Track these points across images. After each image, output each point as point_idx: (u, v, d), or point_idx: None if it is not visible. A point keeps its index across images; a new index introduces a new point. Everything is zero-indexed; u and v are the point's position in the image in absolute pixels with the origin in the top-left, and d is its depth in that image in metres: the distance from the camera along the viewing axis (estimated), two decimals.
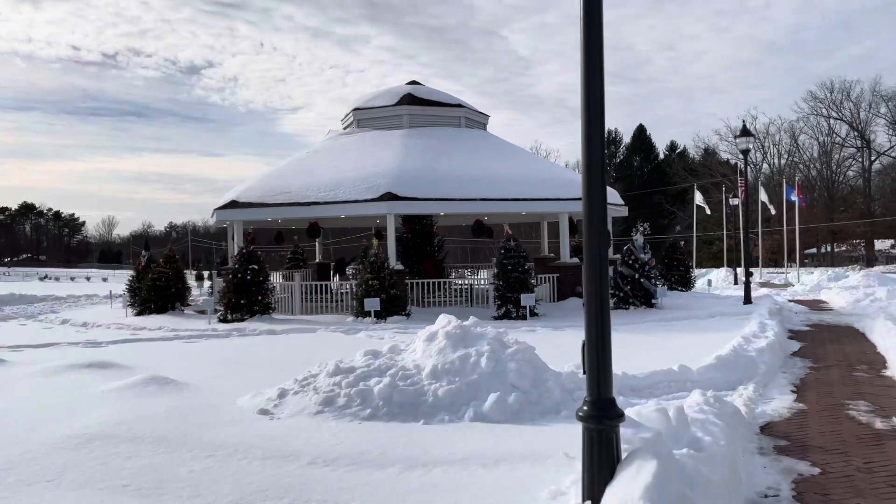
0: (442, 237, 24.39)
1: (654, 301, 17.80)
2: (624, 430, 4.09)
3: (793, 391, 9.22)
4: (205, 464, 5.18)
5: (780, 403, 8.43)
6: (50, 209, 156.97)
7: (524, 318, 16.12)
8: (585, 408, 3.53)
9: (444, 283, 18.89)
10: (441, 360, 6.78)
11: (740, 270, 42.64)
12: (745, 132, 18.07)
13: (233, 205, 19.66)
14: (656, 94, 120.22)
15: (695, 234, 44.41)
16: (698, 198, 42.75)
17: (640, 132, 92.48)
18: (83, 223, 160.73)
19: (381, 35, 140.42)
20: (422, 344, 7.23)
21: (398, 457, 5.28)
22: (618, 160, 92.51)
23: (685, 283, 24.07)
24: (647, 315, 16.60)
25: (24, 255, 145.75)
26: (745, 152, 18.45)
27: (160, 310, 18.26)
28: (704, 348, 11.58)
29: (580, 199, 14.86)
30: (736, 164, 69.58)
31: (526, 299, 15.91)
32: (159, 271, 18.42)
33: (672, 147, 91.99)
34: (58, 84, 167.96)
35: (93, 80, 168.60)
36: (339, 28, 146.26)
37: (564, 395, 6.81)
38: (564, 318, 16.44)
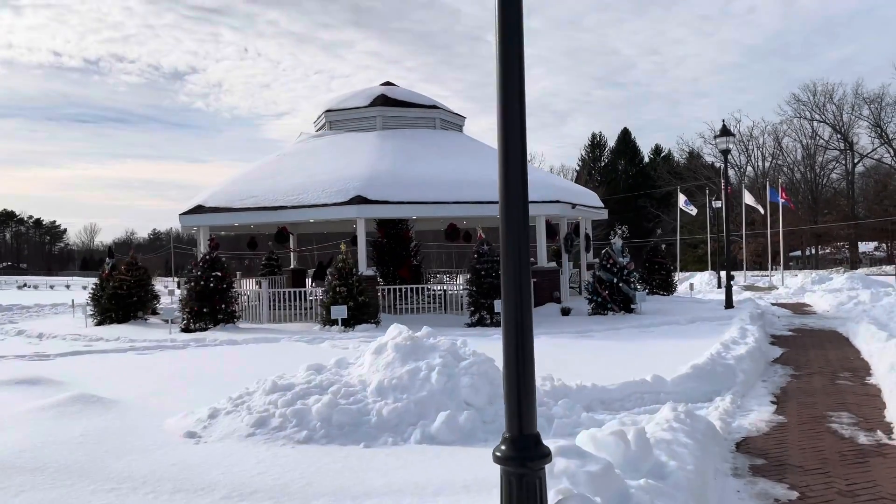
0: (418, 242, 23.81)
1: (633, 306, 17.28)
2: (568, 463, 3.52)
3: (773, 402, 8.70)
4: (105, 500, 4.56)
5: (759, 416, 7.90)
6: (31, 217, 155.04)
7: (498, 325, 15.54)
8: (503, 447, 2.94)
9: (418, 289, 18.29)
10: (388, 376, 6.19)
11: (723, 273, 42.39)
12: (725, 132, 17.62)
13: (198, 210, 18.97)
14: (642, 98, 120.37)
15: (678, 238, 44.05)
16: (681, 200, 42.44)
17: (625, 136, 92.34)
18: (65, 231, 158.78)
19: (366, 40, 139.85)
20: (370, 357, 6.64)
21: (326, 489, 4.68)
22: (602, 164, 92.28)
23: (667, 287, 23.59)
24: (625, 320, 16.08)
25: (5, 264, 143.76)
26: (726, 152, 17.99)
27: (122, 319, 17.52)
28: (682, 356, 11.07)
29: (558, 201, 14.23)
30: (720, 166, 69.67)
31: (500, 306, 15.31)
32: (121, 279, 17.68)
33: (657, 151, 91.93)
34: (40, 90, 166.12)
35: (75, 87, 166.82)
36: (323, 33, 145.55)
37: None
38: (538, 325, 15.86)
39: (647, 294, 23.18)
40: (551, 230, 19.61)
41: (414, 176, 18.19)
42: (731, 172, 70.83)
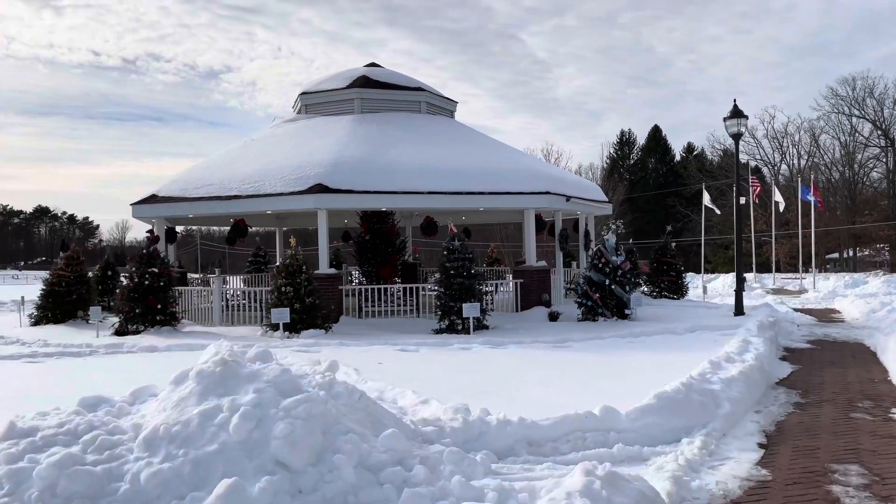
0: (404, 238, 21.91)
1: (627, 311, 15.16)
2: None
3: (761, 445, 6.62)
4: None
5: (734, 469, 5.84)
6: (64, 212, 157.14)
7: (468, 331, 13.59)
8: None
9: (389, 289, 16.40)
10: (171, 419, 4.31)
11: (750, 276, 39.68)
12: (737, 113, 15.34)
13: (151, 199, 17.37)
14: (677, 97, 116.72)
15: (703, 238, 41.41)
16: (706, 198, 39.82)
17: (655, 133, 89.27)
18: (97, 226, 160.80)
19: (399, 39, 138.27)
20: (168, 388, 4.76)
21: None
22: (631, 161, 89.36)
23: (677, 290, 21.34)
24: (615, 328, 13.97)
25: (40, 259, 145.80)
26: (737, 137, 15.70)
27: (60, 319, 15.96)
28: (665, 374, 9.02)
29: (548, 192, 12.06)
30: (756, 165, 66.28)
31: (468, 309, 13.37)
32: (59, 275, 16.12)
33: (689, 149, 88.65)
34: (80, 89, 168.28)
35: (114, 86, 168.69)
36: (356, 32, 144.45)
37: (364, 475, 4.29)
38: (515, 332, 13.87)
39: (655, 297, 21.02)
40: (541, 224, 17.55)
41: (387, 163, 16.30)
42: (763, 170, 67.66)
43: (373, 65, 21.45)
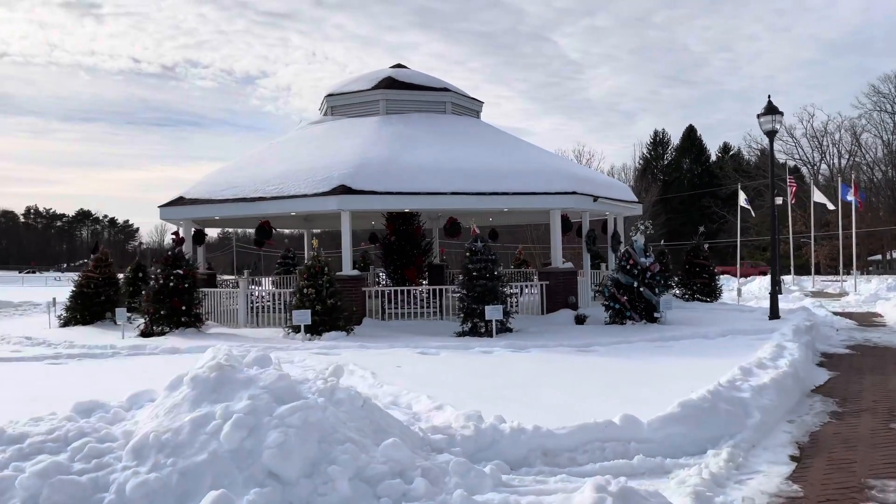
0: (430, 239, 21.71)
1: (656, 315, 14.73)
2: None
3: (793, 457, 6.24)
4: None
5: (764, 484, 5.49)
6: (105, 216, 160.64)
7: (490, 334, 13.32)
8: None
9: (414, 291, 16.20)
10: (162, 426, 4.15)
11: (788, 278, 38.63)
12: (771, 109, 14.81)
13: (179, 201, 17.46)
14: (712, 96, 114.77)
15: (739, 239, 40.45)
16: (742, 198, 38.85)
17: (690, 133, 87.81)
18: (137, 229, 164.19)
19: (431, 42, 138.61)
20: (163, 394, 4.61)
21: None
22: (665, 162, 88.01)
23: (710, 293, 20.75)
24: (643, 332, 13.57)
25: (81, 261, 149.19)
26: (771, 134, 15.15)
27: (88, 320, 16.08)
28: (695, 380, 8.67)
29: (574, 192, 11.77)
30: (795, 165, 64.67)
31: (491, 312, 13.10)
32: (87, 276, 16.25)
33: (725, 149, 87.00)
34: (120, 95, 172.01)
35: (153, 91, 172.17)
36: (388, 36, 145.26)
37: (361, 487, 4.07)
38: (540, 335, 13.56)
39: (687, 300, 20.49)
40: (568, 225, 17.18)
41: (410, 164, 16.12)
42: (803, 170, 65.96)
43: (398, 66, 21.32)
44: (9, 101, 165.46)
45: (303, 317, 12.82)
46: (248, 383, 4.47)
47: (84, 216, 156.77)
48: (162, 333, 14.13)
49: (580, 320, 15.39)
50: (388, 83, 19.49)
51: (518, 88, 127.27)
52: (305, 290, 13.32)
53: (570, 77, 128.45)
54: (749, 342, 12.09)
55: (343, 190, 14.93)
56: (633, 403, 7.52)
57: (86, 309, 16.12)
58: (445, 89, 19.94)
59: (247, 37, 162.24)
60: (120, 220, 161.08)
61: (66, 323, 16.25)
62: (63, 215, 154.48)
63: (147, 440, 4.07)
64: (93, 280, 16.30)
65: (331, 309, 13.27)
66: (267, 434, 4.09)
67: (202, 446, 4.02)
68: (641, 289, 14.67)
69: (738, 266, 40.88)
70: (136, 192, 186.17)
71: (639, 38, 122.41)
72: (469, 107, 20.56)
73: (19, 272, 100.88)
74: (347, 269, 15.41)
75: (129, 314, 15.87)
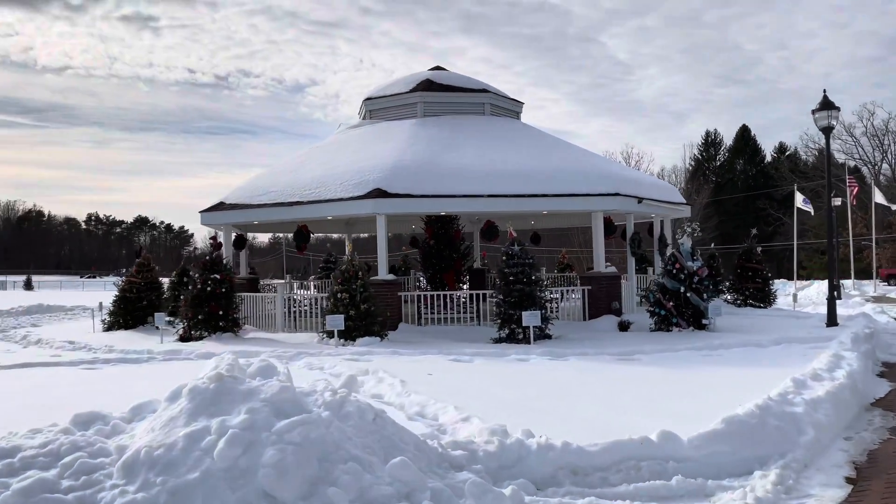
0: (469, 243, 21.37)
1: (705, 321, 14.07)
2: None
3: (848, 479, 5.70)
4: None
5: None
6: (162, 222, 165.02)
7: (528, 341, 12.90)
8: None
9: (451, 296, 15.87)
10: (156, 441, 3.92)
11: (848, 283, 36.97)
12: (827, 104, 14.01)
13: (219, 206, 17.54)
14: (767, 96, 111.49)
15: (795, 242, 38.91)
16: (799, 199, 37.34)
17: (744, 133, 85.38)
18: (192, 235, 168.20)
19: (476, 47, 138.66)
20: (163, 405, 4.39)
21: None
22: (718, 163, 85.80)
23: (763, 298, 19.85)
24: (691, 340, 12.95)
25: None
26: (827, 130, 14.33)
27: (130, 325, 16.25)
28: (745, 393, 8.15)
29: (617, 194, 11.31)
30: (855, 165, 62.11)
31: (528, 318, 12.68)
32: (130, 281, 16.43)
33: (781, 149, 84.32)
34: (176, 105, 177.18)
35: (208, 101, 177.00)
36: (434, 41, 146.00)
37: None
38: (580, 342, 13.08)
39: (739, 306, 19.67)
40: (611, 228, 16.62)
41: (447, 167, 15.83)
42: (863, 170, 63.32)
43: (438, 68, 21.08)
44: (72, 113, 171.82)
45: (336, 322, 12.63)
46: (249, 395, 4.20)
47: (142, 222, 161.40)
48: (200, 338, 14.13)
49: (624, 327, 14.83)
50: (426, 85, 19.25)
51: (564, 91, 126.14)
52: (339, 295, 13.13)
53: (619, 78, 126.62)
54: (804, 351, 11.41)
55: (378, 193, 14.72)
56: (673, 418, 7.05)
57: (128, 313, 16.30)
58: (484, 90, 19.60)
59: (296, 46, 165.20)
60: (176, 226, 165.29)
61: (110, 327, 16.45)
62: (122, 222, 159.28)
63: (138, 456, 3.84)
64: (135, 285, 16.47)
65: (364, 314, 13.05)
66: (264, 451, 3.82)
67: (195, 464, 3.77)
68: (688, 294, 14.04)
69: (794, 269, 39.34)
70: (191, 198, 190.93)
71: (689, 37, 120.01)
72: (509, 108, 20.17)
73: (81, 277, 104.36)
74: (383, 274, 15.19)
75: (171, 318, 16.00)
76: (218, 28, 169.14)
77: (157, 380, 9.35)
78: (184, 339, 14.29)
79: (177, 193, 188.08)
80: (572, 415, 7.39)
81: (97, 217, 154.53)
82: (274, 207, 16.15)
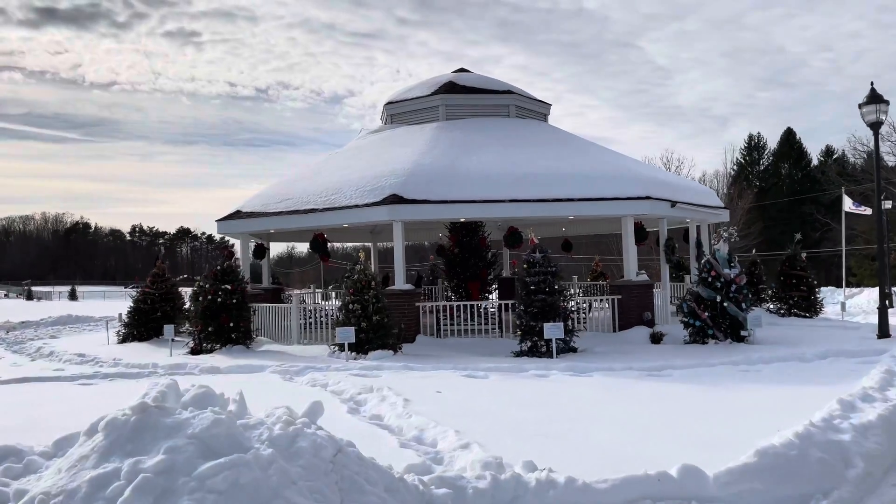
0: (495, 251, 20.61)
1: (743, 333, 13.06)
2: None
3: None
4: None
5: None
6: (203, 233, 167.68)
7: (550, 355, 12.09)
8: None
9: (473, 307, 15.13)
10: (57, 486, 3.29)
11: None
12: (874, 98, 12.90)
13: (235, 215, 17.16)
14: (813, 98, 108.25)
15: (843, 248, 37.12)
16: (847, 203, 35.61)
17: (789, 137, 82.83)
18: (232, 245, 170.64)
19: (513, 54, 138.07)
20: (80, 440, 3.77)
21: None
22: (761, 167, 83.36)
23: (809, 308, 18.63)
24: (727, 353, 11.97)
25: (182, 276, 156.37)
26: (876, 126, 13.23)
27: (144, 337, 15.89)
28: (784, 414, 7.29)
29: (648, 198, 10.37)
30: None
31: (550, 330, 11.87)
32: (145, 292, 16.09)
33: (828, 152, 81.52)
34: (218, 118, 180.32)
35: (248, 114, 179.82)
36: (471, 50, 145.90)
37: None
38: (607, 356, 12.21)
39: (783, 315, 18.50)
40: (642, 234, 15.69)
41: (468, 171, 15.14)
42: None
43: (461, 70, 20.44)
44: (118, 128, 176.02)
45: (346, 335, 12.01)
46: (175, 430, 3.55)
47: (184, 234, 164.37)
48: (211, 351, 13.67)
49: (656, 339, 13.90)
50: (449, 88, 18.62)
51: (604, 97, 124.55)
52: (351, 306, 12.52)
53: (659, 83, 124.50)
54: (852, 367, 10.38)
55: (394, 199, 14.09)
56: (700, 446, 6.21)
57: (142, 325, 15.97)
58: (509, 91, 18.87)
59: (334, 57, 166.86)
60: (217, 237, 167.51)
61: (124, 339, 16.14)
62: (165, 233, 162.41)
63: None
64: (149, 296, 16.13)
65: (377, 326, 12.40)
66: (178, 502, 3.15)
67: None
68: (725, 304, 13.06)
69: (843, 276, 37.53)
70: (232, 210, 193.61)
71: (731, 40, 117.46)
72: (535, 109, 19.40)
73: (125, 287, 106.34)
74: (400, 284, 14.53)
75: (189, 329, 15.57)
76: (258, 42, 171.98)
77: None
78: (194, 352, 13.84)
79: (218, 205, 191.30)
80: (586, 441, 6.59)
81: (141, 229, 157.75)
82: (289, 215, 15.66)
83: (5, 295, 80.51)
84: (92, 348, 15.18)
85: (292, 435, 3.90)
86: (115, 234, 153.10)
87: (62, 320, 25.18)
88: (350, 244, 29.19)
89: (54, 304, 51.33)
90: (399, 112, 19.06)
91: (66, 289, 73.22)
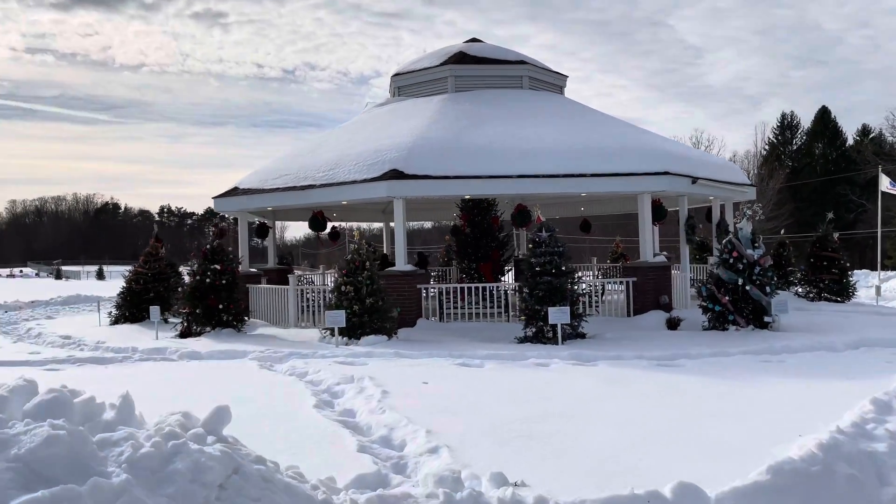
0: (510, 232, 19.66)
1: (767, 319, 12.02)
2: None
3: None
4: None
5: None
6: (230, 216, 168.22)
7: (556, 341, 11.19)
8: None
9: (475, 289, 14.24)
10: None
11: None
12: None
13: (233, 192, 16.46)
14: (850, 77, 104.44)
15: (879, 229, 35.45)
16: (884, 183, 33.90)
17: (824, 115, 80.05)
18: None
19: (541, 33, 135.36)
20: None
21: None
22: (794, 147, 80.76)
23: (840, 292, 17.42)
24: (749, 341, 10.97)
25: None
26: None
27: (137, 318, 15.31)
28: (809, 413, 6.40)
29: (667, 173, 9.22)
30: None
31: (555, 315, 10.96)
32: (137, 272, 15.47)
33: (864, 131, 78.64)
34: (246, 99, 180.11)
35: (275, 95, 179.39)
36: (498, 29, 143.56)
37: None
38: (617, 342, 11.28)
39: (812, 300, 17.34)
40: (660, 212, 14.64)
41: (475, 145, 14.20)
42: None
43: (473, 40, 19.41)
44: (148, 109, 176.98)
45: (335, 318, 11.24)
46: (0, 448, 2.76)
47: (211, 214, 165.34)
48: (200, 334, 13.01)
49: (673, 324, 12.92)
50: (458, 58, 17.62)
51: (633, 77, 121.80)
52: (343, 288, 11.74)
53: (690, 62, 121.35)
54: (888, 357, 9.37)
55: (393, 175, 13.23)
56: (706, 456, 5.31)
57: (133, 306, 15.37)
58: (522, 62, 17.81)
59: (360, 38, 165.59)
60: (252, 220, 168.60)
61: (116, 321, 15.58)
62: (193, 213, 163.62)
63: None
64: (142, 276, 15.51)
65: (371, 309, 11.60)
66: None
67: None
68: (748, 287, 12.02)
69: (878, 259, 35.91)
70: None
71: (765, 17, 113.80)
72: (550, 81, 18.32)
73: None
74: (400, 265, 13.71)
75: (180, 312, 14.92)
76: (284, 23, 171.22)
77: (99, 387, 8.12)
78: (183, 335, 13.21)
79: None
80: (575, 445, 5.72)
81: (170, 209, 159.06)
82: (286, 192, 14.89)
83: (36, 274, 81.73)
84: (81, 330, 14.63)
85: (168, 453, 3.09)
86: (144, 214, 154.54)
87: (70, 300, 24.86)
88: (364, 224, 28.34)
89: (81, 283, 51.62)
90: (406, 84, 18.14)
91: (94, 268, 73.85)
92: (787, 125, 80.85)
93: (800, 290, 18.02)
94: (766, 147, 76.44)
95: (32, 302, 24.67)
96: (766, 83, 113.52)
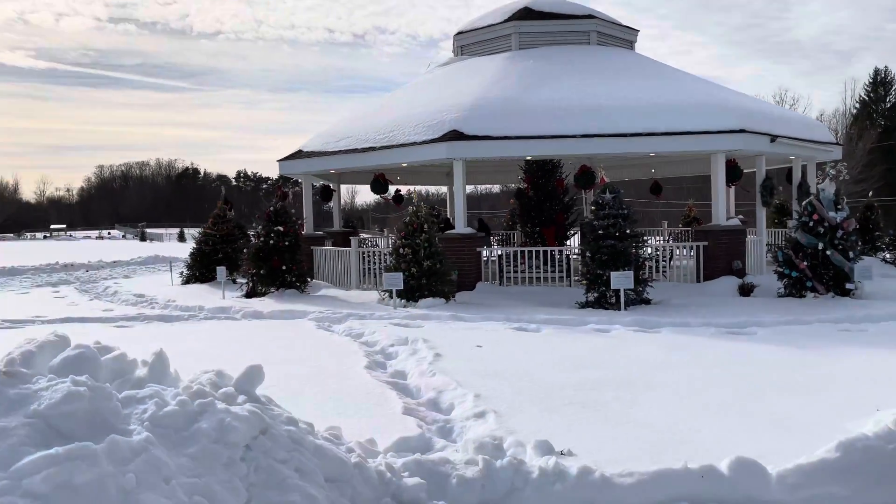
0: (576, 195, 19.13)
1: (849, 286, 11.28)
2: None
3: None
4: None
5: None
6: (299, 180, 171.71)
7: (618, 307, 10.82)
8: None
9: (536, 252, 13.91)
10: None
11: None
12: None
13: (297, 155, 16.56)
14: None
15: None
16: None
17: None
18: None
19: None
20: None
21: None
22: (888, 105, 75.68)
23: None
24: (827, 309, 10.32)
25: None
26: None
27: (206, 278, 15.73)
28: (889, 388, 5.95)
29: (742, 131, 8.73)
30: None
31: (618, 280, 10.58)
32: (206, 234, 15.84)
33: None
34: (317, 65, 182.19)
35: (346, 60, 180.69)
36: None
37: None
38: (684, 309, 10.82)
39: (874, 266, 16.24)
40: (735, 173, 13.87)
41: (538, 104, 13.75)
42: None
43: None
44: (224, 76, 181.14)
45: (393, 280, 11.20)
46: (18, 405, 2.75)
47: (285, 179, 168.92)
48: (264, 294, 13.25)
49: (745, 291, 12.31)
50: (523, 14, 17.04)
51: (713, 33, 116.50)
52: (401, 251, 11.67)
53: (775, 17, 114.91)
54: None
55: (453, 136, 12.97)
56: (771, 430, 4.98)
57: (203, 267, 15.80)
58: (590, 16, 17.08)
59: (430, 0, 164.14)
60: (317, 183, 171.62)
61: (187, 281, 16.07)
62: (268, 178, 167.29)
63: None
64: (211, 237, 15.89)
65: (428, 272, 11.50)
66: None
67: None
68: (829, 252, 11.28)
69: None
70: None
71: None
72: (620, 36, 17.53)
73: None
74: (460, 227, 13.53)
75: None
76: None
77: (161, 344, 8.33)
78: (248, 295, 13.48)
79: None
80: (629, 414, 5.47)
81: (245, 174, 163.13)
82: (348, 154, 14.86)
83: (123, 236, 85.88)
84: (154, 289, 15.16)
85: (193, 412, 3.03)
86: (222, 179, 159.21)
87: (148, 261, 25.86)
88: (433, 188, 28.19)
89: (163, 244, 53.77)
90: (469, 42, 17.71)
91: (176, 231, 76.90)
92: (879, 81, 75.62)
93: (888, 255, 16.91)
94: (857, 105, 71.89)
95: (114, 262, 25.78)
96: (859, 37, 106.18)
